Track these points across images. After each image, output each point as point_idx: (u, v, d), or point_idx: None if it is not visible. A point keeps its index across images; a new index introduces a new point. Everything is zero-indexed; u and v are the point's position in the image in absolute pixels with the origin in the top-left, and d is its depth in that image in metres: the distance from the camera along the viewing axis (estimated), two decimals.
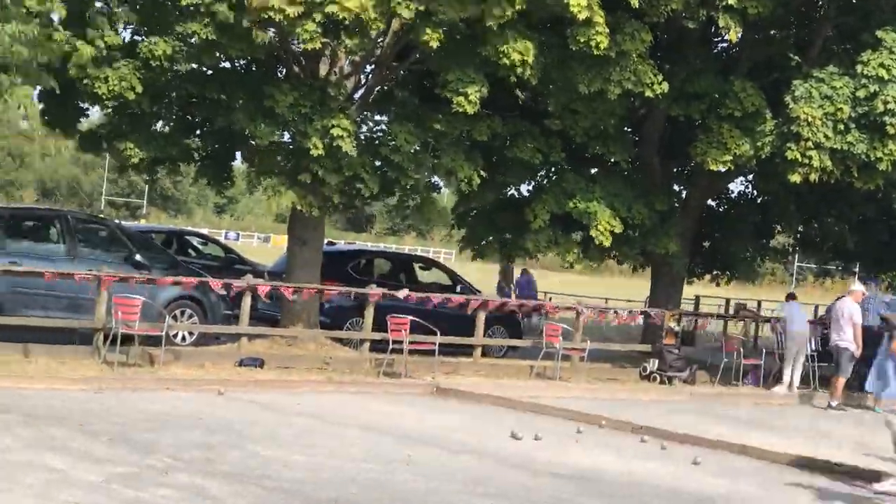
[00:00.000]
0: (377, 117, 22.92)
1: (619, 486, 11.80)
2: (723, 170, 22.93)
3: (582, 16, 18.54)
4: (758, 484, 12.69)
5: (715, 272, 29.84)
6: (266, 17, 17.66)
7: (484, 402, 17.21)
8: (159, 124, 21.71)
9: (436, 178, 22.75)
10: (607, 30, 19.00)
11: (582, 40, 18.91)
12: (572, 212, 22.19)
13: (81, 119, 22.38)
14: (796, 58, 23.24)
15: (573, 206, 22.08)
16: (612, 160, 23.76)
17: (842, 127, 20.46)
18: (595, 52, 19.05)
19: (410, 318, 19.72)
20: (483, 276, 37.42)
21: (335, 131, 18.90)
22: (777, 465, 13.99)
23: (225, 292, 19.23)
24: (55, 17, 17.63)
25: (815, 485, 12.87)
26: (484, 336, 21.75)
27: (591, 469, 12.53)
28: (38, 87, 17.86)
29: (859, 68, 20.44)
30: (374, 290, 20.39)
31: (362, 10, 17.81)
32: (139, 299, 17.40)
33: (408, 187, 21.04)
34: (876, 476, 13.09)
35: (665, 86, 20.67)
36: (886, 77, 20.16)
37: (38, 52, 15.86)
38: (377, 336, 19.85)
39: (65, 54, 17.69)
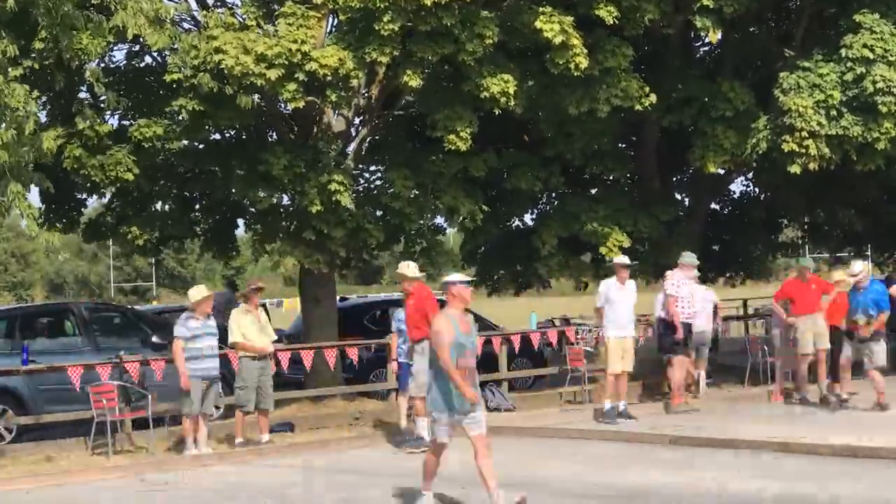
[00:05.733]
0: (373, 167, 23.01)
1: (672, 497, 11.73)
2: (722, 171, 22.86)
3: (557, 40, 18.60)
4: (797, 477, 12.59)
5: (728, 274, 29.77)
6: (248, 83, 17.75)
7: (519, 435, 17.09)
8: (159, 204, 21.80)
9: (439, 220, 22.79)
10: (585, 50, 19.04)
11: (561, 63, 18.94)
12: (581, 233, 22.19)
13: (82, 210, 22.49)
14: (780, 51, 23.27)
15: (580, 229, 22.08)
16: (612, 177, 23.79)
17: (834, 112, 20.42)
18: (576, 73, 19.09)
19: None
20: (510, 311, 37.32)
21: (332, 186, 18.93)
22: (821, 457, 13.89)
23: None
24: (42, 116, 17.65)
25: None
26: (508, 370, 21.65)
27: (639, 486, 12.44)
28: (36, 188, 17.84)
29: (843, 52, 20.43)
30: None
31: (341, 63, 17.92)
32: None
33: (412, 232, 21.06)
34: None
35: (653, 97, 20.67)
36: (872, 56, 20.13)
37: (27, 152, 15.75)
38: None
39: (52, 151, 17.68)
